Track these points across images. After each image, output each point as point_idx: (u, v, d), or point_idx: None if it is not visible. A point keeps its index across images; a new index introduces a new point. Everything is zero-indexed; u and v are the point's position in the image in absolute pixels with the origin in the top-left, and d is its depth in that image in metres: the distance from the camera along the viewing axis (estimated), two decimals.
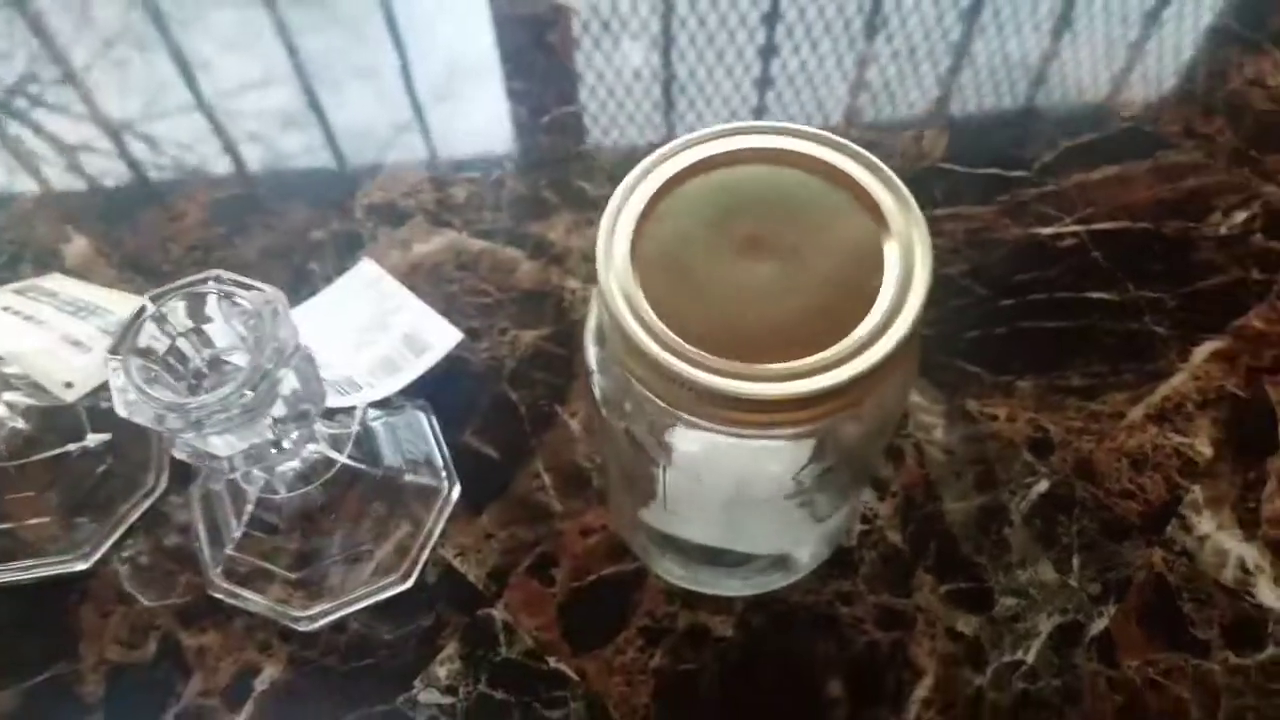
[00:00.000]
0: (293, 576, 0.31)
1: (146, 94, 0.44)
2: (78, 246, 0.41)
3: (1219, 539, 0.34)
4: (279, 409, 0.27)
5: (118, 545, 0.34)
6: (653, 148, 0.23)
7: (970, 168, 0.43)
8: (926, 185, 0.42)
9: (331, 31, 0.48)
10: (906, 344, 0.21)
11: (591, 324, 0.26)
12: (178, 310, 0.27)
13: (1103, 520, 0.34)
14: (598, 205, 0.42)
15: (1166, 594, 0.33)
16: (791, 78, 0.46)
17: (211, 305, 0.27)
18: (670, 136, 0.25)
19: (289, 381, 0.27)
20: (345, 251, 0.40)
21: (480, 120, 0.45)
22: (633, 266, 0.22)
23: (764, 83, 0.46)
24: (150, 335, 0.26)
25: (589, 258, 0.40)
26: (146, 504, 0.34)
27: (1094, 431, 0.36)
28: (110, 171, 0.43)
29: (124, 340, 0.26)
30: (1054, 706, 0.31)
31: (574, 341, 0.38)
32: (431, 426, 0.35)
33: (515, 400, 0.37)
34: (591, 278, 0.40)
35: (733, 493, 0.33)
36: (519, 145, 0.44)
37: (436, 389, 0.36)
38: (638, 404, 0.25)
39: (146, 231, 0.41)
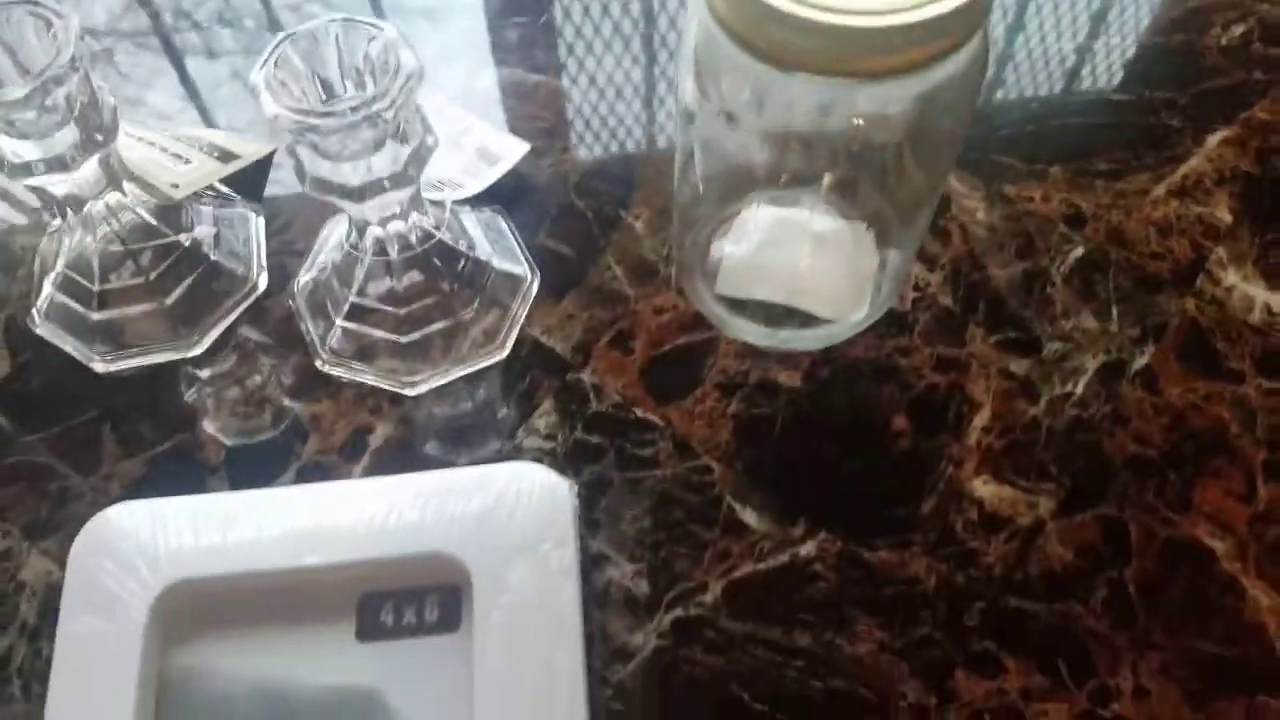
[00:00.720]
0: (401, 341, 0.33)
1: None
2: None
3: (1245, 288, 0.36)
4: (404, 146, 0.28)
5: (227, 333, 0.35)
6: None
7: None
8: None
9: None
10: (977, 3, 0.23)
11: (688, 51, 0.27)
12: (299, 52, 0.27)
13: (1137, 277, 0.36)
14: (646, 43, 0.44)
15: (1200, 334, 0.35)
16: None
17: (335, 45, 0.27)
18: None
19: (414, 123, 0.28)
20: None
21: None
22: None
23: None
24: (285, 74, 0.27)
25: (636, 87, 0.42)
26: (249, 300, 0.35)
27: (1122, 206, 0.38)
28: None
29: (265, 66, 0.27)
30: (1105, 429, 0.33)
31: (631, 156, 0.40)
32: (509, 226, 0.37)
33: (582, 207, 0.39)
34: (643, 102, 0.42)
35: (803, 249, 0.35)
36: None
37: (509, 199, 0.38)
38: (742, 111, 0.27)
39: None
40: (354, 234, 0.33)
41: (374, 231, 0.32)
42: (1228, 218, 0.37)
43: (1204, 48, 0.43)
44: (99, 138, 0.30)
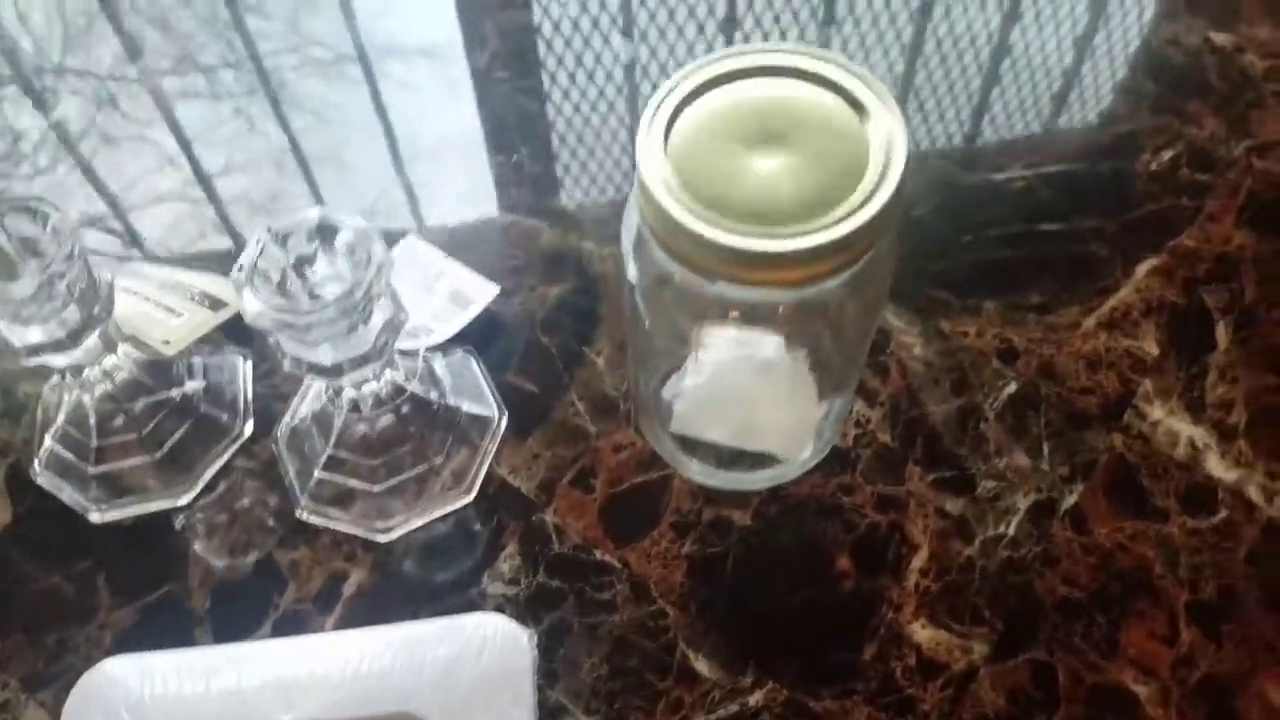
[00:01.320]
0: (374, 490, 0.33)
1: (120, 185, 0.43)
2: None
3: (1170, 423, 0.35)
4: (375, 325, 0.28)
5: (214, 481, 0.35)
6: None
7: (930, 133, 0.44)
8: None
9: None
10: (892, 205, 0.23)
11: (630, 236, 0.27)
12: (283, 246, 0.28)
13: (1067, 413, 0.36)
14: (608, 181, 0.44)
15: (1127, 471, 0.34)
16: None
17: (313, 240, 0.28)
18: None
19: (385, 301, 0.28)
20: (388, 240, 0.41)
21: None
22: (667, 159, 0.24)
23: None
24: (265, 263, 0.27)
25: (600, 224, 0.42)
26: (235, 446, 0.35)
27: (1053, 340, 0.37)
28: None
29: (248, 263, 0.27)
30: (1036, 569, 0.32)
31: (595, 292, 0.40)
32: (479, 367, 0.37)
33: (547, 344, 0.38)
34: (606, 239, 0.42)
35: (748, 388, 0.34)
36: (533, 131, 0.45)
37: (479, 339, 0.38)
38: (677, 293, 0.27)
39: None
40: (330, 390, 0.33)
41: (349, 392, 0.32)
42: (1154, 350, 0.37)
43: (1133, 174, 0.42)
44: (97, 312, 0.30)
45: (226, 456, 0.35)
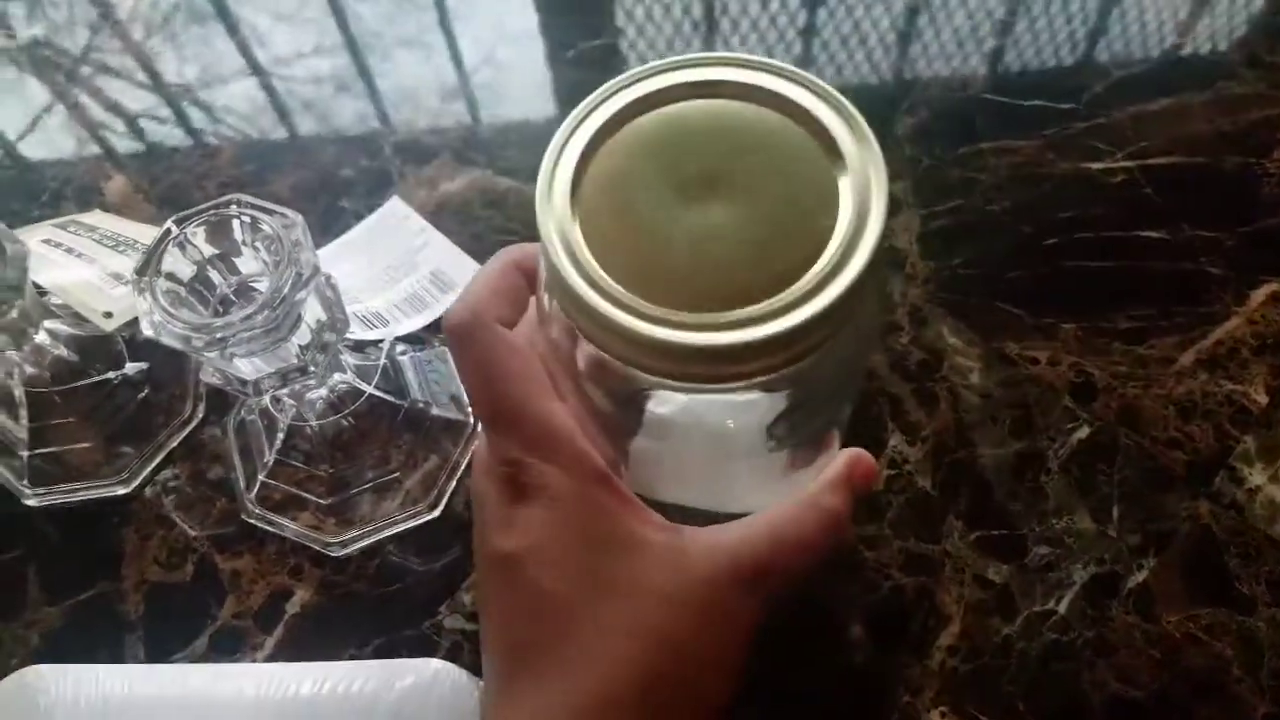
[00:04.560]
0: (324, 503, 0.30)
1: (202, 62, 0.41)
2: (117, 184, 0.39)
3: (1271, 491, 0.30)
4: (303, 334, 0.25)
5: (157, 471, 0.32)
6: None
7: (1015, 99, 0.38)
8: (967, 117, 0.38)
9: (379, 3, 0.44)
10: (860, 285, 0.17)
11: (543, 274, 0.23)
12: (200, 236, 0.25)
13: (1146, 470, 0.31)
14: None
15: (1212, 547, 0.29)
16: (833, 9, 0.42)
17: (235, 231, 0.25)
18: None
19: (311, 307, 0.25)
20: (375, 190, 0.37)
21: (509, 61, 0.41)
22: (574, 211, 0.18)
23: (813, 3, 0.42)
24: (175, 260, 0.25)
25: None
26: (184, 432, 0.33)
27: (1140, 377, 0.32)
28: (155, 131, 0.41)
29: (149, 263, 0.24)
30: (1086, 659, 0.28)
31: None
32: None
33: None
34: None
35: (706, 453, 0.29)
36: (547, 80, 0.40)
37: None
38: (591, 364, 0.22)
39: (182, 169, 0.39)
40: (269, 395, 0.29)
41: (289, 403, 0.28)
42: (1263, 398, 0.31)
43: (1262, 174, 0.36)
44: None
45: (173, 444, 0.32)
